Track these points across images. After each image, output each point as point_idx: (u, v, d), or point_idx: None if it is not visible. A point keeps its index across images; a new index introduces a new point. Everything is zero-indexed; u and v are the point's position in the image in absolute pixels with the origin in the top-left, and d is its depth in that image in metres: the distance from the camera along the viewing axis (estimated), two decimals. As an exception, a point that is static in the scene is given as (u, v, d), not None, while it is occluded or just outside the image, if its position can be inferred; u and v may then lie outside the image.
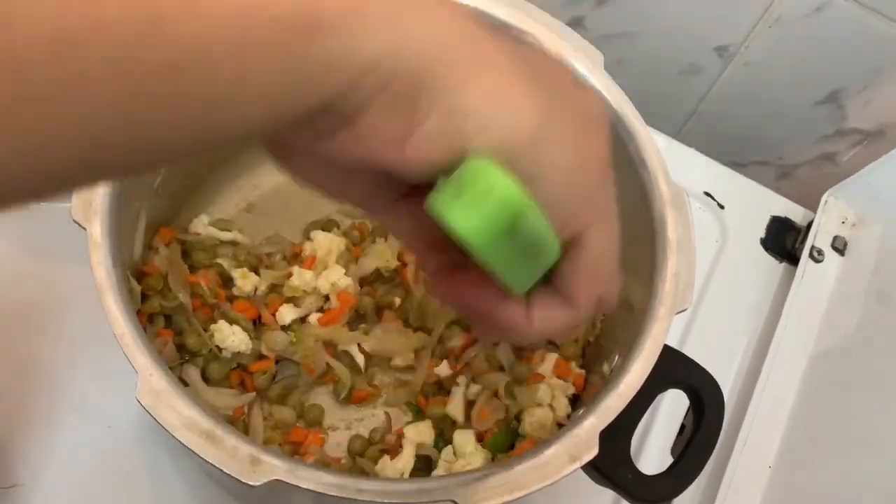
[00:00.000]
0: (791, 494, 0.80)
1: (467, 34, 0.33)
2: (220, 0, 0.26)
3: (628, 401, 0.58)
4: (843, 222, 0.96)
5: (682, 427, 0.66)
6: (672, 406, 0.83)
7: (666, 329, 0.61)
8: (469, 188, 0.33)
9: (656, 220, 0.64)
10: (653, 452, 0.82)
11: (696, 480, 0.81)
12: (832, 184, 0.97)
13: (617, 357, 0.65)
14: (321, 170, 0.38)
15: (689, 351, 0.65)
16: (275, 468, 0.52)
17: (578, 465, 0.56)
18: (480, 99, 0.32)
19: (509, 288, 0.40)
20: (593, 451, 0.56)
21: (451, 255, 0.41)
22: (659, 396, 0.82)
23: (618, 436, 0.60)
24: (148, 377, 0.54)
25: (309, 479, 0.52)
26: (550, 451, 0.56)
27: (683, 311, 0.62)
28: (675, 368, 0.63)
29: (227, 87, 0.28)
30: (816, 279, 0.93)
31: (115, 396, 0.74)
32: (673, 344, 0.65)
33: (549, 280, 0.40)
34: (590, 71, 0.68)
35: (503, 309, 0.40)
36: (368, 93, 0.31)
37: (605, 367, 0.69)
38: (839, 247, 0.95)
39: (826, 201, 0.97)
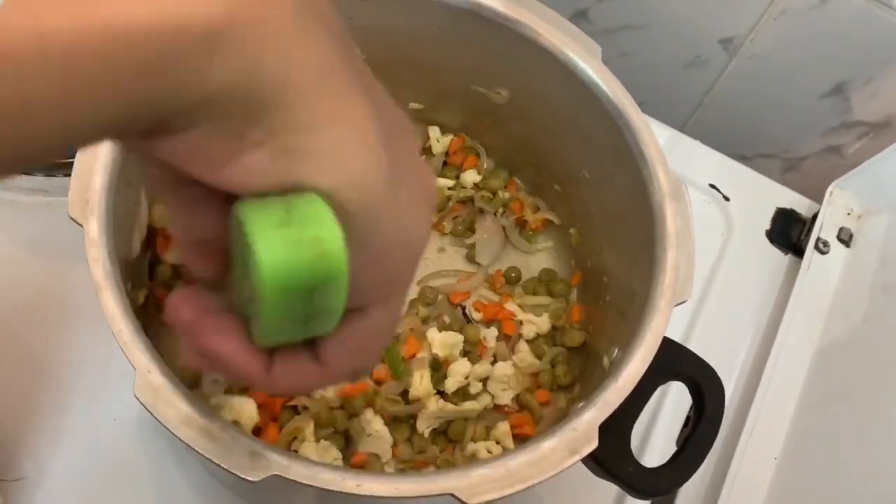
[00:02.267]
0: (797, 486, 0.80)
1: (331, 76, 0.29)
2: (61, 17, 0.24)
3: (628, 393, 0.57)
4: (849, 214, 0.96)
5: (688, 419, 0.66)
6: (678, 398, 0.83)
7: (665, 321, 0.60)
8: (298, 226, 0.29)
9: (655, 213, 0.64)
10: (658, 445, 0.82)
11: (702, 473, 0.81)
12: (838, 176, 0.97)
13: (616, 350, 0.65)
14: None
15: (694, 344, 0.65)
16: (274, 463, 0.52)
17: (578, 458, 0.55)
18: (326, 146, 0.29)
19: (255, 337, 0.35)
20: (593, 444, 0.56)
21: (210, 267, 0.37)
22: (664, 389, 0.83)
23: (618, 428, 0.59)
24: (146, 374, 0.54)
25: (308, 474, 0.52)
26: (550, 445, 0.55)
27: (683, 302, 0.62)
28: (675, 360, 0.63)
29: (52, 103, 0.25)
30: (822, 271, 0.92)
31: (120, 390, 0.74)
32: (677, 337, 0.64)
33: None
34: (587, 63, 0.68)
35: (241, 360, 0.36)
36: (203, 115, 0.28)
37: (605, 361, 0.68)
38: (845, 238, 0.94)
39: (832, 193, 0.96)
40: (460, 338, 0.76)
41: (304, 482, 0.52)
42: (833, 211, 0.96)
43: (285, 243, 0.29)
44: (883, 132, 1.03)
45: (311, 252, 0.29)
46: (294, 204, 0.29)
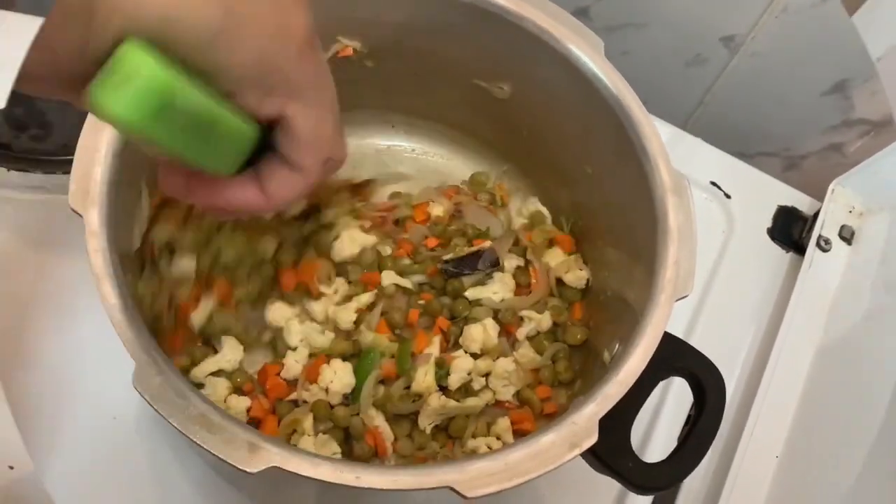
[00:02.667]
0: (798, 485, 0.80)
1: None
2: None
3: (628, 388, 0.57)
4: (851, 212, 0.95)
5: (689, 417, 0.66)
6: (680, 396, 0.83)
7: (666, 316, 0.60)
8: (116, 73, 0.35)
9: (657, 208, 0.64)
10: (660, 443, 0.82)
11: (704, 470, 0.81)
12: (839, 174, 0.96)
13: (617, 345, 0.65)
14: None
15: (696, 341, 0.64)
16: (273, 455, 0.52)
17: (578, 452, 0.55)
18: (146, 8, 0.35)
19: (218, 171, 0.44)
20: (593, 439, 0.55)
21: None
22: (666, 387, 0.83)
23: (618, 423, 0.59)
24: (145, 366, 0.54)
25: (307, 466, 0.52)
26: (550, 438, 0.55)
27: (684, 297, 0.61)
28: (676, 356, 0.63)
29: None
30: (824, 269, 0.92)
31: (120, 386, 0.74)
32: (679, 334, 0.64)
33: (277, 152, 0.45)
34: (590, 57, 0.68)
35: (238, 195, 0.45)
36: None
37: (606, 355, 0.68)
38: (846, 236, 0.94)
39: (833, 190, 0.96)
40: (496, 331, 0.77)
41: (303, 474, 0.52)
42: (835, 209, 0.95)
43: (115, 91, 0.35)
44: (884, 130, 1.03)
45: (135, 83, 0.35)
46: (110, 63, 0.35)
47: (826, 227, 0.94)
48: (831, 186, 0.96)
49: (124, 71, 0.35)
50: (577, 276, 0.79)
